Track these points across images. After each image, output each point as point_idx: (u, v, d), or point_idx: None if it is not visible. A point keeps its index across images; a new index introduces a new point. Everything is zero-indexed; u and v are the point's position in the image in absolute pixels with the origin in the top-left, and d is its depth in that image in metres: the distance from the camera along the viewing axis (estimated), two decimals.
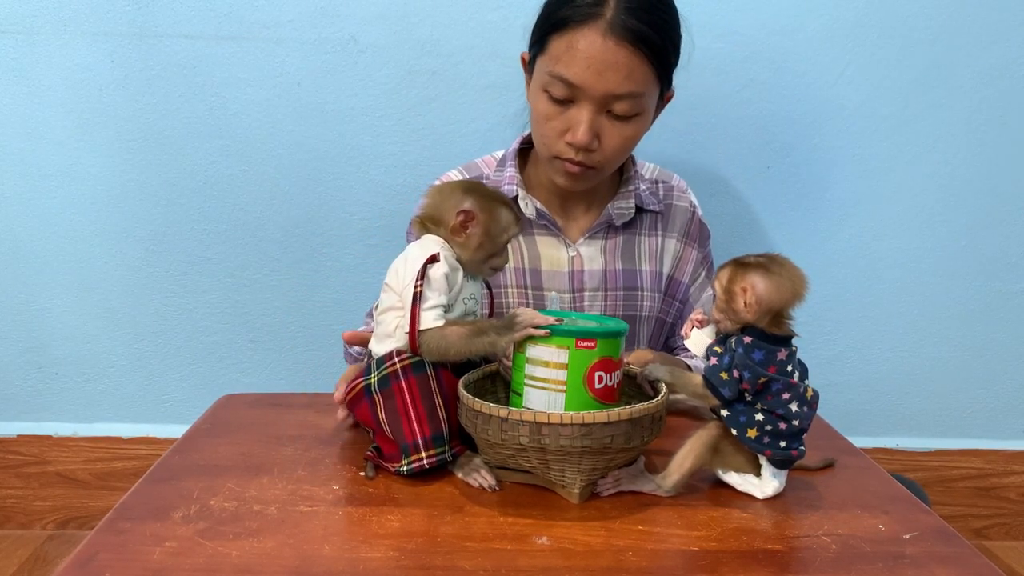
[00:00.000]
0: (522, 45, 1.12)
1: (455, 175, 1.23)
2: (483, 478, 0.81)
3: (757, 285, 0.78)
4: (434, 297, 0.81)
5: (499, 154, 1.24)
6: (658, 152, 1.51)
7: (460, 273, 0.85)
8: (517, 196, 1.17)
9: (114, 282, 1.58)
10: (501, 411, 0.76)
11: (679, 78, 1.15)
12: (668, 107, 1.15)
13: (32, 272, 1.58)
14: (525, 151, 1.23)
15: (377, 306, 0.89)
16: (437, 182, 1.20)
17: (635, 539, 0.73)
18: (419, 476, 0.82)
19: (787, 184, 1.58)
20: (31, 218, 1.55)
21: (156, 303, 1.59)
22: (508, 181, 1.18)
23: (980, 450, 1.72)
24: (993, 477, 1.73)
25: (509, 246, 0.90)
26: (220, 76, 1.49)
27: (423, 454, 0.80)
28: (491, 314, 0.94)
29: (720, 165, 1.56)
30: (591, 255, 1.18)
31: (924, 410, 1.71)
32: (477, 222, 0.85)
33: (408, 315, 0.81)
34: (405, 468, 0.80)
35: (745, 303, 0.78)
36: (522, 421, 0.75)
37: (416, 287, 0.81)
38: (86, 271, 1.58)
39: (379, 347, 0.87)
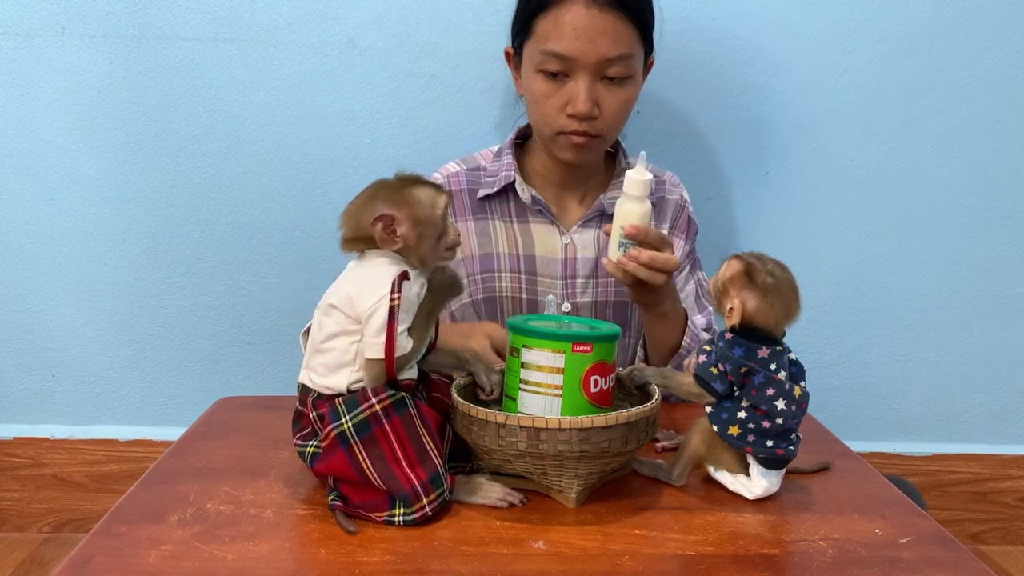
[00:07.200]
0: None
1: (454, 167, 1.26)
2: (510, 496, 0.79)
3: (748, 302, 0.80)
4: (406, 319, 0.76)
5: (496, 148, 1.27)
6: (657, 154, 1.52)
7: (425, 290, 0.79)
8: (515, 181, 1.20)
9: (111, 284, 1.58)
10: (498, 417, 0.76)
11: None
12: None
13: (29, 274, 1.57)
14: (520, 145, 1.26)
15: (307, 331, 0.82)
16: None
17: (631, 543, 0.73)
18: None
19: (785, 188, 1.57)
20: (29, 220, 1.54)
21: (153, 306, 1.59)
22: (505, 168, 1.21)
23: (977, 455, 1.72)
24: (990, 482, 1.73)
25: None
26: (218, 78, 1.48)
27: (424, 501, 0.74)
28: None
29: (718, 169, 1.56)
30: (584, 243, 1.21)
31: (921, 414, 1.71)
32: (400, 219, 0.77)
33: (380, 334, 0.74)
34: (403, 519, 0.74)
35: (730, 308, 0.80)
36: (520, 427, 0.75)
37: (393, 300, 0.74)
38: (83, 273, 1.57)
39: (330, 379, 0.77)
